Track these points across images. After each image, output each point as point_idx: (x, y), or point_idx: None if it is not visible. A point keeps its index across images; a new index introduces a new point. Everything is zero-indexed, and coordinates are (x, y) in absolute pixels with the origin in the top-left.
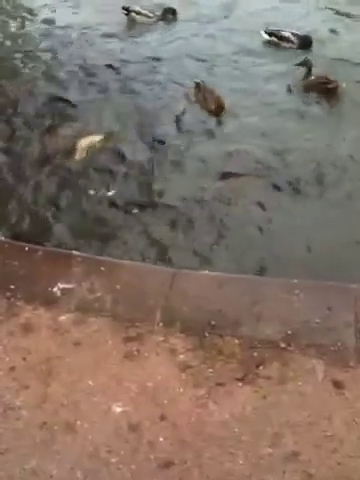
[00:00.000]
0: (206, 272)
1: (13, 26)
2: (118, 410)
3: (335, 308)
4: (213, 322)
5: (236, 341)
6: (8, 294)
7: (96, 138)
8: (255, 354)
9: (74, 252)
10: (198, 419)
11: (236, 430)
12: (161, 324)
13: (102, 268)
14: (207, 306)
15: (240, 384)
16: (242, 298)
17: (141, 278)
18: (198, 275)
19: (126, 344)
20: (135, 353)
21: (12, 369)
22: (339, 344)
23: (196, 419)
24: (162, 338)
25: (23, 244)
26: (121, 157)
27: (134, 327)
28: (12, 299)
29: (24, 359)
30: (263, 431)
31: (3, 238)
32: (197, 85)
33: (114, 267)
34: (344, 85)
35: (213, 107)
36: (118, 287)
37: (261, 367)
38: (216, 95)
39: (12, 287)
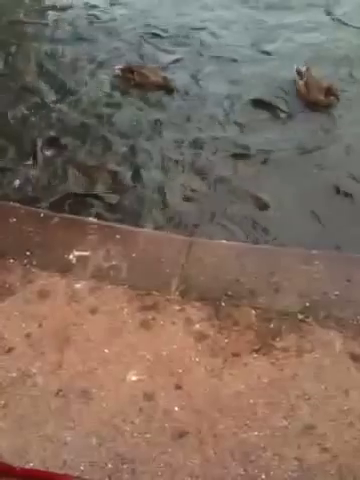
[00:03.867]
0: (223, 241)
1: None
2: (133, 378)
3: (355, 280)
4: (230, 292)
5: (253, 312)
6: (24, 261)
7: None
8: (272, 325)
9: (90, 219)
10: (213, 389)
11: (251, 401)
12: (177, 293)
13: (118, 236)
14: (224, 276)
15: (256, 355)
16: (260, 268)
17: (157, 246)
18: (215, 244)
19: (142, 312)
20: (151, 322)
21: (28, 336)
22: (358, 317)
23: (211, 389)
24: (178, 307)
25: (39, 210)
26: None
27: (150, 295)
28: (28, 266)
29: (40, 326)
30: (279, 403)
31: (18, 205)
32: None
33: (130, 235)
34: None
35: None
36: (134, 255)
37: (278, 338)
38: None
39: (28, 254)
